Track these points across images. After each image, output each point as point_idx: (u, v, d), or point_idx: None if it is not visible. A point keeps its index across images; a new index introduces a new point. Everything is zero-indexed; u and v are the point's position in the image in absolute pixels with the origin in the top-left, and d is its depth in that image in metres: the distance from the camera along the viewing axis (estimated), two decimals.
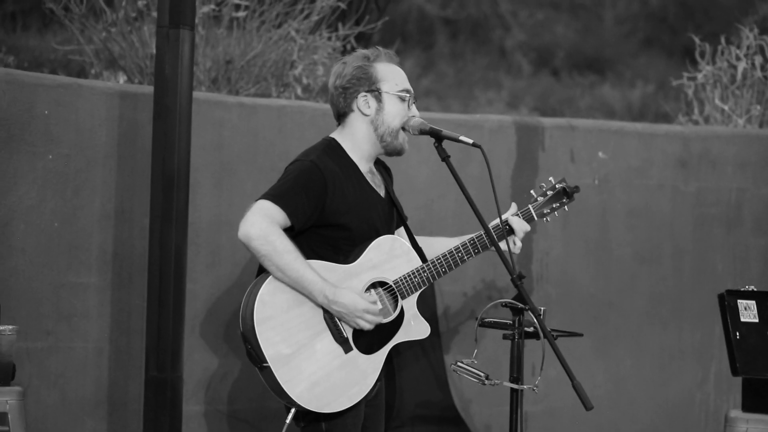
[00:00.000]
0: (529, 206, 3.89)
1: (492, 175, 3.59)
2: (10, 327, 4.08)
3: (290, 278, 3.52)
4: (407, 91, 3.77)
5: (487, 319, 4.00)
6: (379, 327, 3.64)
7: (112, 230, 4.66)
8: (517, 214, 3.86)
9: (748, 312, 4.47)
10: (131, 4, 6.26)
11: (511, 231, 3.83)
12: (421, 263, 3.74)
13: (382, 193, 3.82)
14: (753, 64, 7.39)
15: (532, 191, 3.93)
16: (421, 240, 3.91)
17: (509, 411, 3.84)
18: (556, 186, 3.91)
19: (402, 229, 3.93)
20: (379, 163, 3.90)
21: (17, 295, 4.46)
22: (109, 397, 4.67)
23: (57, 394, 4.57)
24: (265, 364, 3.52)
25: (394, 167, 4.00)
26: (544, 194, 3.91)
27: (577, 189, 3.92)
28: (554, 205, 3.91)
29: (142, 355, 4.52)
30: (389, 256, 3.70)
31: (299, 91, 6.48)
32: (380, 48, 3.82)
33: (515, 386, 3.79)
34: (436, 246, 3.88)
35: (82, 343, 4.62)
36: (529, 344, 3.91)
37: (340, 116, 3.80)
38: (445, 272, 3.75)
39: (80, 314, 4.61)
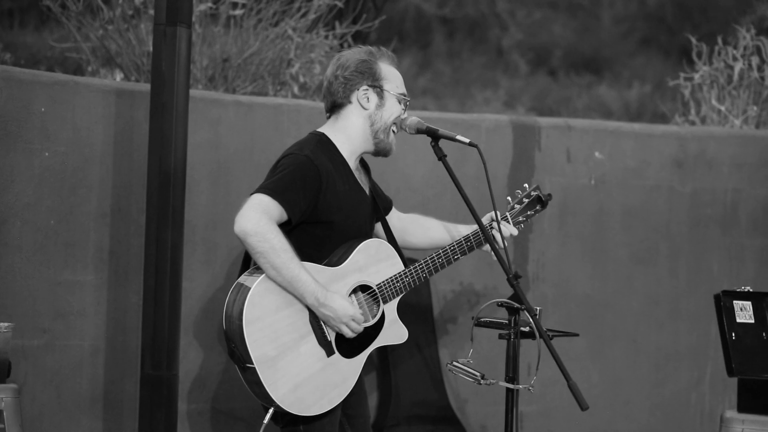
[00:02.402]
0: (507, 214, 3.92)
1: (488, 175, 3.60)
2: (6, 324, 4.08)
3: (284, 278, 3.50)
4: (405, 96, 3.79)
5: (482, 319, 4.00)
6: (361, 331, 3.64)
7: (108, 228, 4.65)
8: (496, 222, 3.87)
9: (744, 313, 4.48)
10: (128, 2, 6.26)
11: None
12: (403, 267, 3.74)
13: (367, 190, 3.82)
14: (750, 65, 7.39)
15: (508, 198, 3.97)
16: (415, 218, 3.97)
17: (505, 411, 3.83)
18: (531, 194, 3.96)
19: (379, 225, 3.92)
20: (360, 161, 3.89)
21: (13, 292, 4.46)
22: (104, 395, 4.66)
23: (53, 391, 4.56)
24: (249, 365, 3.50)
25: (390, 166, 4.01)
26: (521, 201, 3.94)
27: (550, 197, 3.98)
28: (528, 213, 3.96)
29: (138, 353, 4.51)
30: (375, 259, 3.69)
31: (296, 89, 6.48)
32: (383, 48, 3.82)
33: (511, 386, 3.79)
34: (432, 233, 3.96)
35: (78, 340, 4.61)
36: (525, 344, 3.92)
37: (335, 107, 3.77)
38: (426, 277, 3.75)
39: (76, 312, 4.60)
